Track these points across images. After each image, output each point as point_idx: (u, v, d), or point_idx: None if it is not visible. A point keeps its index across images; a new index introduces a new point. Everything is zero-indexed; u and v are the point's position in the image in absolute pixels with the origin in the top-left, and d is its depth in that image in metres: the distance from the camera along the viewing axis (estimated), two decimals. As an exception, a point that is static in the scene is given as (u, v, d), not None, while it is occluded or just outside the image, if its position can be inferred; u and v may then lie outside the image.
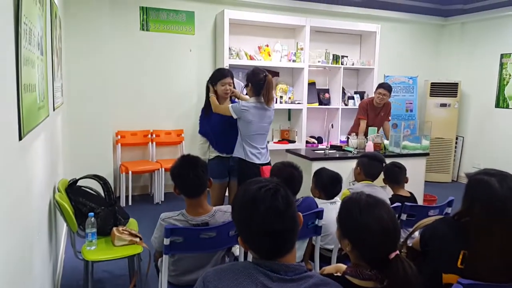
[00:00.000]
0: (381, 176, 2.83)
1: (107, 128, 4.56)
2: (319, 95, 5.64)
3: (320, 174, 2.53)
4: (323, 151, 4.06)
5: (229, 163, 3.14)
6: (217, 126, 3.05)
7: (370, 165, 2.72)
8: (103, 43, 4.44)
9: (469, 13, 6.15)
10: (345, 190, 2.63)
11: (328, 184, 2.47)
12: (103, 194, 2.64)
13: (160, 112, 5.13)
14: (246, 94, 3.04)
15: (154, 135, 5.04)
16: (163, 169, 4.70)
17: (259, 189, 1.14)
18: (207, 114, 3.08)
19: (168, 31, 5.00)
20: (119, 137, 4.83)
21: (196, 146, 4.81)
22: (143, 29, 4.88)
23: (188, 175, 1.87)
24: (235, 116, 2.96)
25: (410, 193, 2.82)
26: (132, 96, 4.96)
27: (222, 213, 1.96)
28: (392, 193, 2.82)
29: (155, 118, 5.07)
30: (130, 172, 4.53)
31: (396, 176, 2.76)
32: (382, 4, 5.95)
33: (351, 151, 4.10)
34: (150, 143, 5.02)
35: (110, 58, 4.56)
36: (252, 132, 2.99)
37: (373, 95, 4.67)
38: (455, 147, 6.35)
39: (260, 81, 2.91)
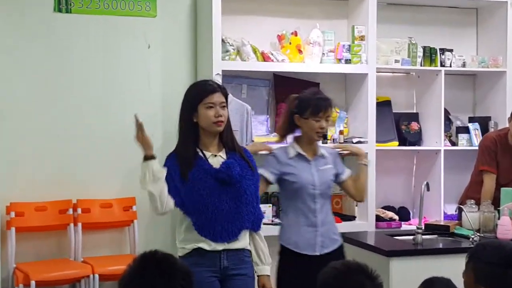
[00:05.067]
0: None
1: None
2: (399, 126, 5.08)
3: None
4: (411, 237, 3.87)
5: (220, 263, 3.00)
6: (204, 192, 2.99)
7: (503, 278, 2.43)
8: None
9: None
10: None
11: None
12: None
13: (92, 165, 4.64)
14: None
15: (79, 210, 4.54)
16: (96, 277, 4.28)
17: None
18: (185, 176, 3.00)
19: (106, 12, 4.69)
20: (12, 215, 4.38)
21: (161, 228, 4.68)
22: (60, 10, 4.57)
23: None
24: None
25: None
26: (38, 136, 4.58)
27: None
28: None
29: (83, 178, 4.63)
30: (32, 284, 4.11)
31: None
32: None
33: (468, 237, 3.87)
34: (71, 225, 4.50)
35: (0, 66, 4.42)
36: None
37: (508, 125, 4.42)
38: None
39: None
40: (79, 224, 4.44)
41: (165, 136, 4.54)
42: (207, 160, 2.97)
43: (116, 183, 4.67)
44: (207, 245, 2.95)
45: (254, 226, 3.04)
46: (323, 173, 3.42)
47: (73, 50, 4.60)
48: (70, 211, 4.47)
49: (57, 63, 4.60)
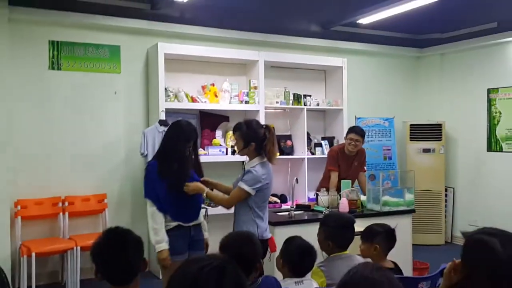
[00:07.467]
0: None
1: (3, 197, 4.63)
2: (280, 143, 5.80)
3: (289, 244, 2.69)
4: (287, 213, 4.30)
5: (190, 233, 3.31)
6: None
7: (341, 235, 2.84)
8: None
9: (448, 43, 7.00)
10: (315, 269, 2.73)
11: (295, 257, 2.58)
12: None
13: (75, 172, 5.29)
14: (239, 152, 3.35)
15: (66, 203, 5.11)
16: (78, 248, 4.78)
17: (201, 269, 1.22)
18: (164, 177, 3.21)
19: (86, 70, 5.32)
20: (18, 208, 4.87)
21: (124, 213, 5.25)
22: (53, 68, 5.19)
23: (114, 256, 1.93)
24: (253, 193, 3.16)
25: (394, 263, 2.94)
26: (37, 153, 5.11)
27: None
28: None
29: (68, 180, 5.21)
30: (33, 255, 4.54)
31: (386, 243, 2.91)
32: (346, 36, 6.65)
33: (322, 211, 4.39)
34: (61, 214, 5.08)
35: (6, 106, 4.71)
36: (265, 201, 3.28)
37: (344, 141, 5.15)
38: (445, 200, 6.96)
39: (263, 137, 3.24)
40: (66, 213, 5.08)
41: (126, 153, 5.42)
42: None
43: (93, 183, 5.33)
44: (183, 223, 3.30)
45: None
46: None
47: (62, 98, 5.16)
48: (60, 204, 5.09)
49: (50, 107, 5.13)
